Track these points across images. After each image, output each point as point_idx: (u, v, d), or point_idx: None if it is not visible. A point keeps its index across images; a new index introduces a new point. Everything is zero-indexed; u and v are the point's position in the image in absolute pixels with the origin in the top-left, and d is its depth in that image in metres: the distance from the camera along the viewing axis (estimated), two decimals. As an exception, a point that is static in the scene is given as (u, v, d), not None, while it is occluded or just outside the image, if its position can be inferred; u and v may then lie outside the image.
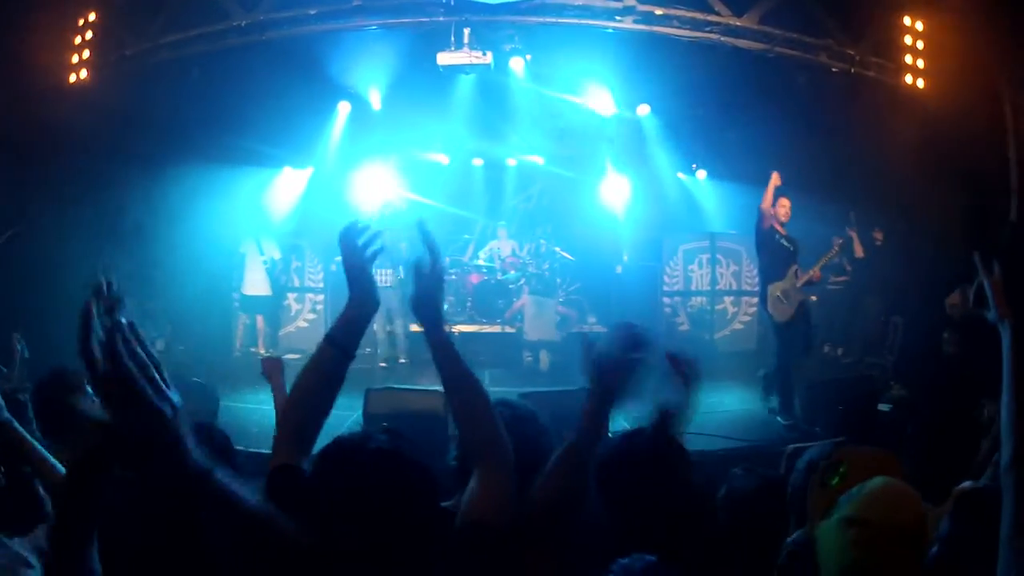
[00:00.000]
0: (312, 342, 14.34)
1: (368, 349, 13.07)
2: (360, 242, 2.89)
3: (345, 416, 9.05)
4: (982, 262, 2.94)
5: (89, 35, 10.55)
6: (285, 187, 15.97)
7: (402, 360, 13.67)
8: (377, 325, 12.75)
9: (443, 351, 2.71)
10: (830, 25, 10.55)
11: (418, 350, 14.32)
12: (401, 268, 13.29)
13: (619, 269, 15.41)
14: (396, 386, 9.31)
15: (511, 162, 17.41)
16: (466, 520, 2.61)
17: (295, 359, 14.21)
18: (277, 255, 14.58)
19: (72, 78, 10.47)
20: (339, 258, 2.93)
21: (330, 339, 2.84)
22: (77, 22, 10.55)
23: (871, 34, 10.63)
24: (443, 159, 17.07)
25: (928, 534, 2.36)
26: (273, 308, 14.84)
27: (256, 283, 14.46)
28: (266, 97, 13.03)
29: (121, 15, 10.85)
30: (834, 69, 10.73)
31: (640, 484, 3.03)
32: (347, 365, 2.85)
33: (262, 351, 14.52)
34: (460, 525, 2.63)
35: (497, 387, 10.08)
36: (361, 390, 8.58)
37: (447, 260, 16.04)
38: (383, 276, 12.96)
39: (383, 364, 13.27)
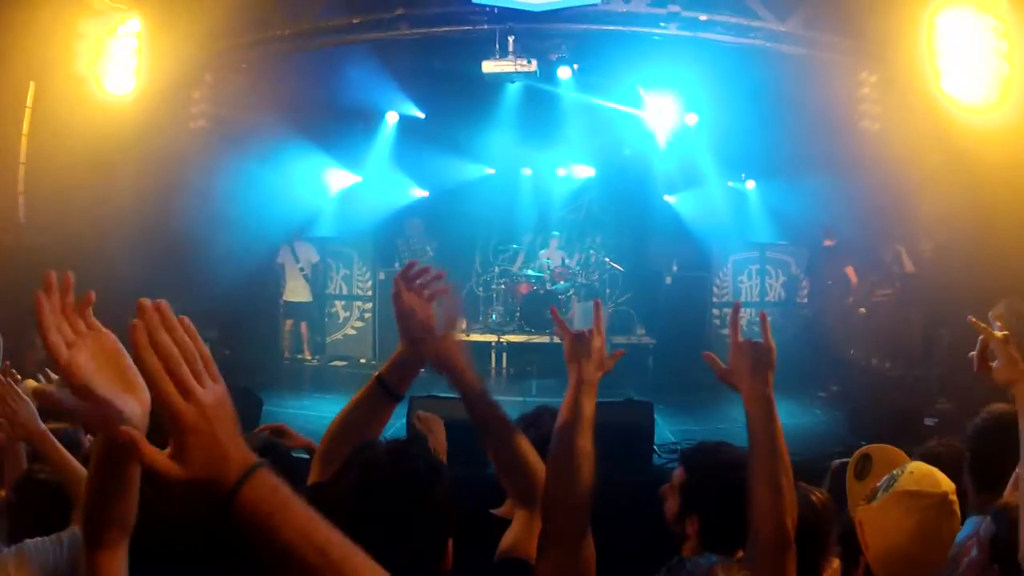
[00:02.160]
0: (359, 350, 14.64)
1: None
2: (413, 284, 2.85)
3: (389, 424, 9.04)
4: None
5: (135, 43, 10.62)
6: (330, 193, 16.08)
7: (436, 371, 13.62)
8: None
9: (470, 401, 2.70)
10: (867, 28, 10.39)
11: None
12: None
13: (668, 280, 15.27)
14: (440, 394, 9.27)
15: (561, 172, 17.34)
16: (506, 556, 2.68)
17: (342, 366, 14.33)
18: (315, 259, 14.69)
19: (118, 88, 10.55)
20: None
21: (380, 379, 2.84)
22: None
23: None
24: (492, 168, 17.04)
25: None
26: (315, 314, 14.96)
27: (296, 290, 14.62)
28: (314, 106, 13.13)
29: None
30: (873, 77, 10.60)
31: None
32: (393, 407, 2.87)
33: (308, 356, 14.61)
34: (499, 559, 2.70)
35: (543, 397, 10.02)
36: (405, 401, 8.55)
37: (496, 270, 16.07)
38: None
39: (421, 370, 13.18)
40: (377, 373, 2.86)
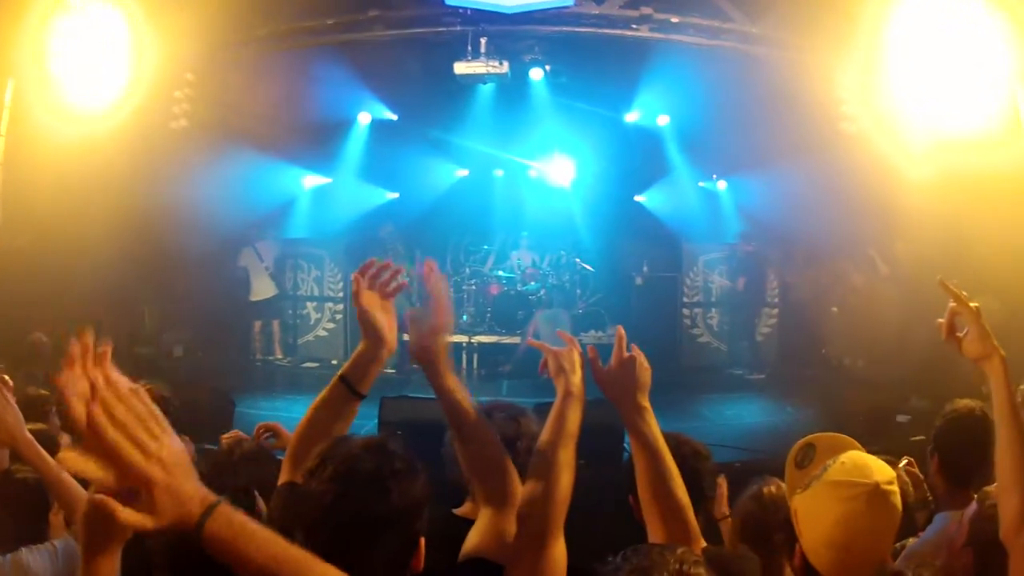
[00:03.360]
0: (331, 351, 14.60)
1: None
2: (372, 281, 2.93)
3: (360, 425, 9.02)
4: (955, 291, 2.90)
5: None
6: (301, 194, 16.11)
7: (415, 366, 13.62)
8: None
9: (448, 400, 2.70)
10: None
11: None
12: (407, 273, 13.33)
13: (639, 280, 15.31)
14: (411, 395, 9.27)
15: (532, 173, 17.36)
16: (471, 555, 2.69)
17: (313, 367, 14.30)
18: (282, 254, 14.79)
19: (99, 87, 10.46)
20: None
21: (343, 378, 2.86)
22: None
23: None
24: (464, 169, 17.07)
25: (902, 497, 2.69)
26: (283, 309, 14.96)
27: (262, 288, 14.62)
28: (287, 107, 13.11)
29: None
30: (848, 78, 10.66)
31: None
32: (357, 404, 2.88)
33: (279, 356, 14.58)
34: (464, 559, 2.71)
35: (514, 398, 10.03)
36: (376, 398, 8.53)
37: (467, 271, 16.08)
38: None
39: (391, 370, 13.07)
40: (340, 372, 2.88)
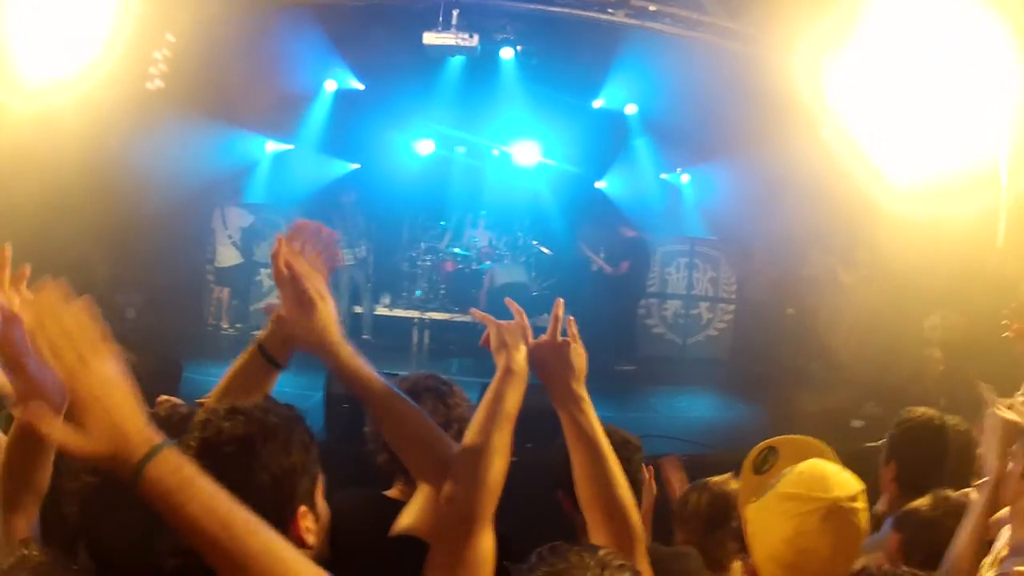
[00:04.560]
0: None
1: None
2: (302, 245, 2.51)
3: (308, 396, 8.93)
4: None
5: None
6: (263, 160, 15.90)
7: (365, 336, 13.59)
8: (341, 305, 12.58)
9: (346, 377, 2.42)
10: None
11: (384, 331, 14.26)
12: (363, 245, 13.33)
13: (595, 267, 15.26)
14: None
15: (495, 152, 17.24)
16: (401, 533, 2.63)
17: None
18: (247, 222, 14.44)
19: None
20: None
21: (261, 347, 2.61)
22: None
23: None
24: (427, 144, 16.89)
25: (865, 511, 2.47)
26: (243, 279, 14.68)
27: (226, 256, 14.39)
28: (252, 69, 12.92)
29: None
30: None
31: None
32: (276, 375, 2.64)
33: (225, 325, 14.39)
34: (394, 535, 2.64)
35: (465, 376, 9.95)
36: (323, 370, 8.39)
37: (423, 246, 15.95)
38: (344, 255, 13.19)
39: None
40: (258, 339, 2.63)
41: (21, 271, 1.70)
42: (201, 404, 4.35)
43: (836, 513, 2.32)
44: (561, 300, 2.73)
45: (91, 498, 2.28)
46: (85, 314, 1.57)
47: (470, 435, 2.37)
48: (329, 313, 2.38)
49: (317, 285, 2.38)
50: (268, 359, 2.60)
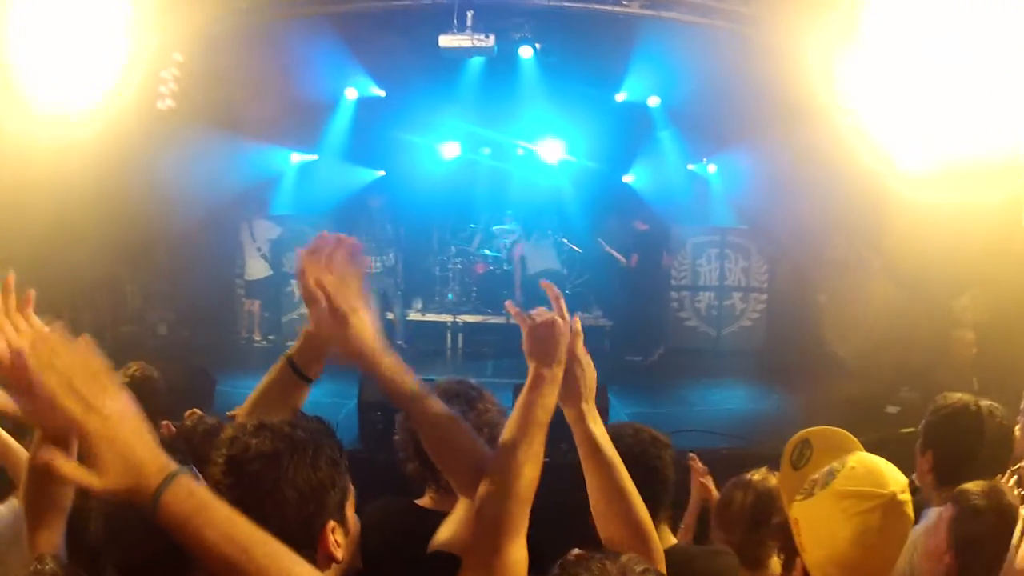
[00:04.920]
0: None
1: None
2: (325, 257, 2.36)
3: (342, 404, 8.97)
4: None
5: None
6: (288, 171, 15.96)
7: (399, 342, 13.58)
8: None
9: (395, 393, 2.34)
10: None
11: (418, 336, 14.27)
12: (392, 252, 13.39)
13: (625, 262, 15.23)
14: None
15: (520, 152, 17.23)
16: (438, 549, 2.60)
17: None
18: (275, 234, 14.44)
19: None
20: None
21: (290, 361, 2.59)
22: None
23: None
24: (452, 147, 16.89)
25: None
26: (273, 290, 14.73)
27: (254, 268, 14.46)
28: (270, 82, 12.97)
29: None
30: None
31: None
32: (306, 390, 2.61)
33: (257, 337, 14.45)
34: (432, 551, 2.61)
35: (500, 378, 9.97)
36: (356, 377, 8.40)
37: (453, 250, 15.96)
38: (372, 264, 13.25)
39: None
40: (288, 353, 2.60)
41: (27, 296, 1.70)
42: (232, 417, 4.38)
43: (894, 507, 2.29)
44: (561, 300, 2.62)
45: (115, 514, 2.29)
46: (86, 353, 1.59)
47: (501, 444, 2.31)
48: (364, 325, 2.29)
49: (349, 297, 2.29)
50: (298, 374, 2.58)
